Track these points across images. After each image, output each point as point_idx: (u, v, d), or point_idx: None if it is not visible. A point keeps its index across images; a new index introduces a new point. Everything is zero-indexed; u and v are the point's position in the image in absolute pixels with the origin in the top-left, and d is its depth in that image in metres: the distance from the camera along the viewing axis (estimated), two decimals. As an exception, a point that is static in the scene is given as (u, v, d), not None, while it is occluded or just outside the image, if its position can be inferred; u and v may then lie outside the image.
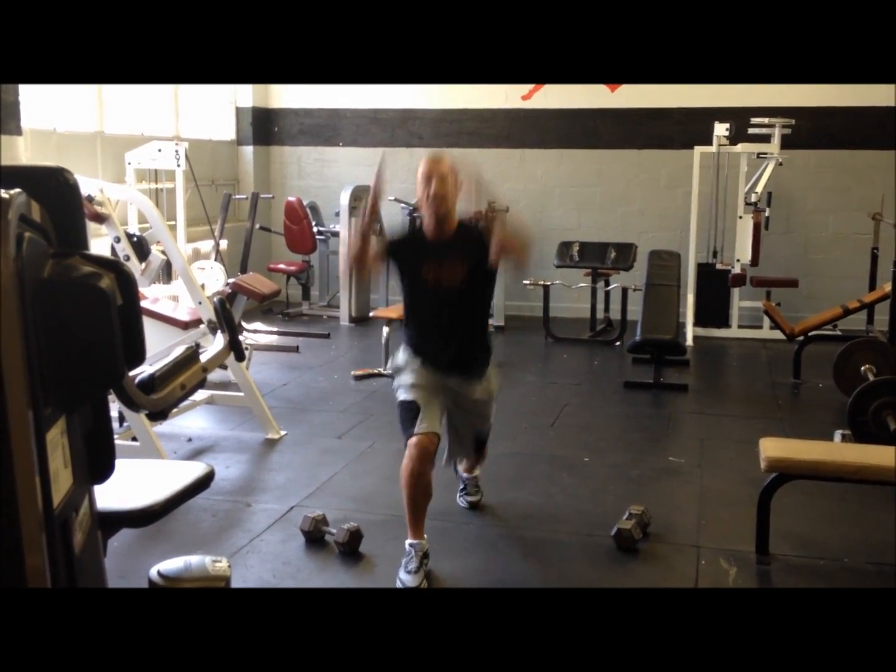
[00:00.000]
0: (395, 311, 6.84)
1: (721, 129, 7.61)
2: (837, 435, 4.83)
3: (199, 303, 4.96)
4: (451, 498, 4.01)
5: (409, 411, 3.40)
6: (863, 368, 5.58)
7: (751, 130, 7.62)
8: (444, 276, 3.46)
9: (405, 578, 3.29)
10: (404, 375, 3.52)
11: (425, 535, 3.39)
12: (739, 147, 7.71)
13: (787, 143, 7.58)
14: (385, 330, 6.43)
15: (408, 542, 3.37)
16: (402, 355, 3.60)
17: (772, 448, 3.61)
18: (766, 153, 7.58)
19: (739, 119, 7.65)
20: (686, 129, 8.34)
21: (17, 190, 1.46)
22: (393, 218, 8.74)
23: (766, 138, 7.62)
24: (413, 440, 3.33)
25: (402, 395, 3.47)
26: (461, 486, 4.05)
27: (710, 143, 7.72)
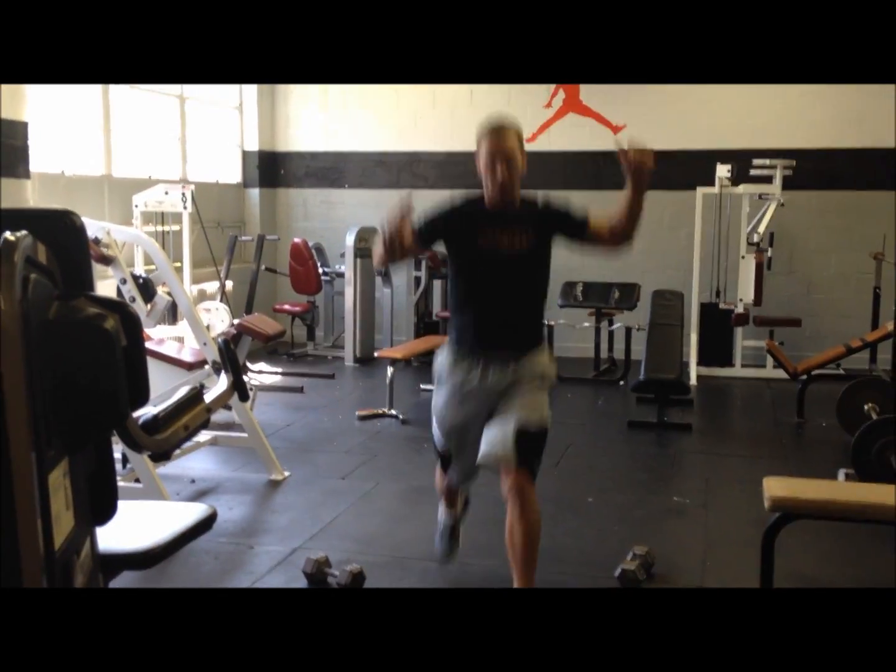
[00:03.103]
0: (400, 351, 6.88)
1: (723, 171, 7.66)
2: (841, 474, 4.82)
3: (204, 343, 4.98)
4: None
5: (443, 457, 3.51)
6: (866, 407, 5.57)
7: (752, 172, 7.68)
8: (504, 242, 3.20)
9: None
10: (439, 399, 3.33)
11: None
12: (741, 188, 7.76)
13: (788, 185, 7.62)
14: (390, 370, 6.44)
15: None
16: (440, 359, 3.34)
17: (776, 487, 3.58)
18: (767, 194, 7.62)
19: (741, 161, 7.71)
20: (688, 170, 8.39)
21: (24, 232, 1.48)
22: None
23: (767, 179, 7.67)
24: (443, 485, 3.58)
25: (435, 437, 3.45)
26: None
27: (712, 184, 7.76)
